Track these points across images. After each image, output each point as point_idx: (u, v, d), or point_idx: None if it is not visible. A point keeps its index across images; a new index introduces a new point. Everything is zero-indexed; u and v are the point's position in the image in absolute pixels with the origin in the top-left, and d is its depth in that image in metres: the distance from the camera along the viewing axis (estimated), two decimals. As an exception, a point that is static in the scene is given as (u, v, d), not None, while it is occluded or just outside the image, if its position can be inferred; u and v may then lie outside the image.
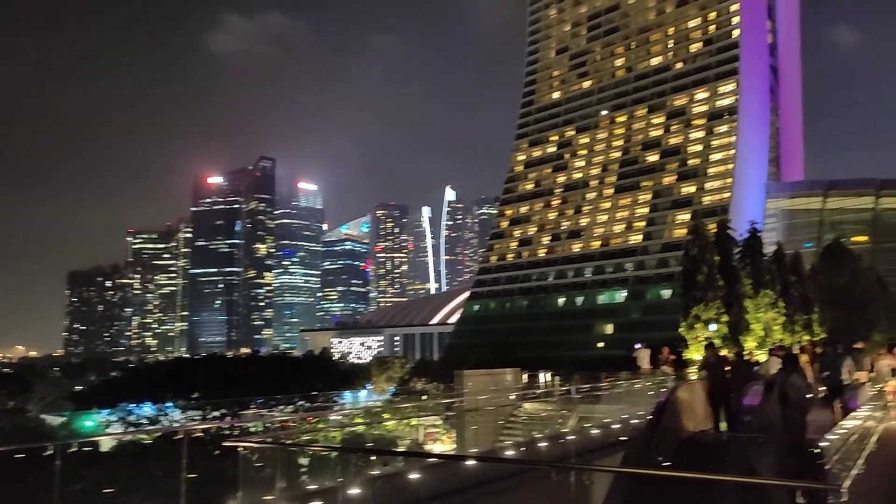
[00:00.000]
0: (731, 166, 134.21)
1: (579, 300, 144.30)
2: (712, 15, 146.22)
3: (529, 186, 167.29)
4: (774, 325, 43.83)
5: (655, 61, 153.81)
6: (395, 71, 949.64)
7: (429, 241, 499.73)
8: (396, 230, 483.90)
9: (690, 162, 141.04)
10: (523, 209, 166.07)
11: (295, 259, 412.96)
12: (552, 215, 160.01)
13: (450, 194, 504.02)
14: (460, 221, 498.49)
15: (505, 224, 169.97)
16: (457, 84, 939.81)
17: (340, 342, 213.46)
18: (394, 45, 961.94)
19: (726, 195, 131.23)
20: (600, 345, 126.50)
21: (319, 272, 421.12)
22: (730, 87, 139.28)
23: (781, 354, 20.20)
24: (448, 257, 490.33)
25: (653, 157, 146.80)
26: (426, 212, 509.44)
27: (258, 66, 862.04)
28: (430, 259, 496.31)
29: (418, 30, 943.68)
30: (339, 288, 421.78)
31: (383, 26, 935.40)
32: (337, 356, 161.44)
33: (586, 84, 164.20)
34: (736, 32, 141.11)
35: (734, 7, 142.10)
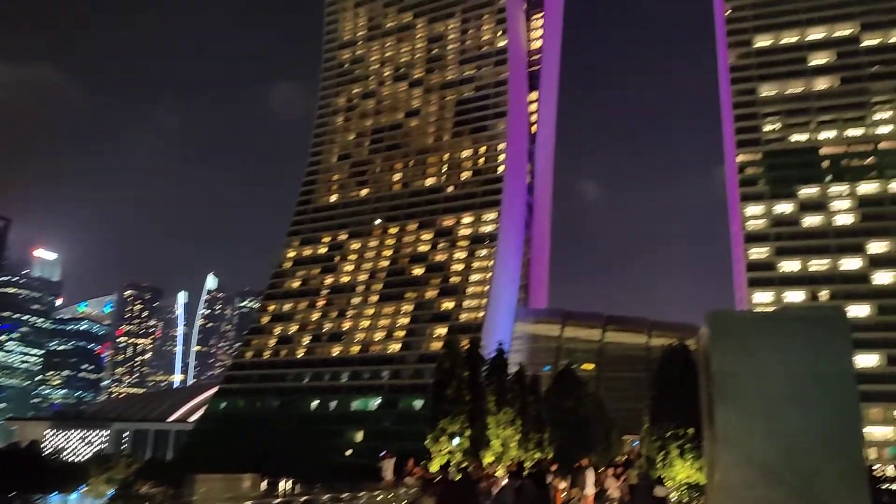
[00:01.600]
0: (487, 287, 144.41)
1: (333, 404, 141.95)
2: (482, 149, 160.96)
3: (296, 284, 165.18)
4: (511, 441, 46.31)
5: (429, 181, 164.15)
6: (173, 147, 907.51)
7: (180, 329, 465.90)
8: (145, 314, 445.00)
9: (452, 279, 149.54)
10: (287, 307, 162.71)
11: (15, 335, 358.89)
12: (315, 316, 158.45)
13: (211, 282, 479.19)
14: (219, 312, 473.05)
15: (266, 319, 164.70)
16: (239, 171, 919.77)
17: (56, 435, 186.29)
18: (175, 120, 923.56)
19: (481, 314, 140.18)
20: (349, 452, 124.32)
21: (43, 352, 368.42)
22: (492, 215, 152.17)
23: (513, 470, 21.27)
24: (200, 348, 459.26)
25: (418, 271, 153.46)
26: (182, 297, 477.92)
27: (13, 117, 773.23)
28: (179, 348, 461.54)
29: (206, 108, 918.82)
30: (66, 372, 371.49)
31: (166, 99, 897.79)
32: (49, 451, 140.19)
33: (363, 192, 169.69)
34: (501, 168, 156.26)
35: (501, 146, 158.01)
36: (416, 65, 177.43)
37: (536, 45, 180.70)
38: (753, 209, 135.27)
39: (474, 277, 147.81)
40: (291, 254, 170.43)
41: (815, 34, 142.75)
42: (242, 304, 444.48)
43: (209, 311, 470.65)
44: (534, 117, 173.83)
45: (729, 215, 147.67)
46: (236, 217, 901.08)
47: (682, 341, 41.13)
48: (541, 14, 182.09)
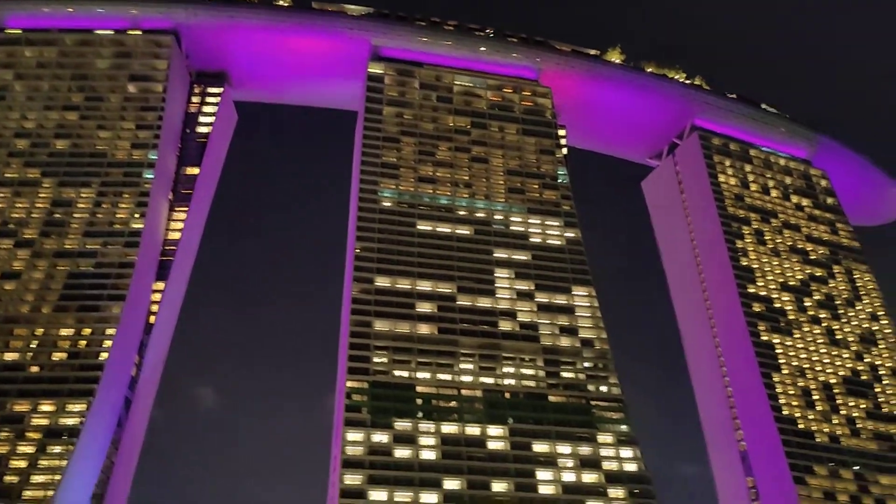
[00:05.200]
0: (51, 493, 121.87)
1: None
2: (87, 331, 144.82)
3: None
4: None
5: (10, 356, 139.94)
6: None
7: None
8: None
9: (7, 478, 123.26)
10: None
11: None
12: None
13: None
14: None
15: None
16: None
17: None
18: None
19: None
20: None
21: None
22: (80, 406, 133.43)
23: None
24: None
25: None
26: None
27: None
28: None
29: None
30: None
31: None
32: None
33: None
34: (104, 355, 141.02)
35: (110, 331, 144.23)
36: (29, 224, 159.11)
37: (174, 235, 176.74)
38: (354, 435, 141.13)
39: (37, 479, 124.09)
40: None
41: (424, 286, 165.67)
42: None
43: None
44: (155, 307, 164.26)
45: (332, 441, 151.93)
46: None
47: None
48: (185, 208, 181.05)
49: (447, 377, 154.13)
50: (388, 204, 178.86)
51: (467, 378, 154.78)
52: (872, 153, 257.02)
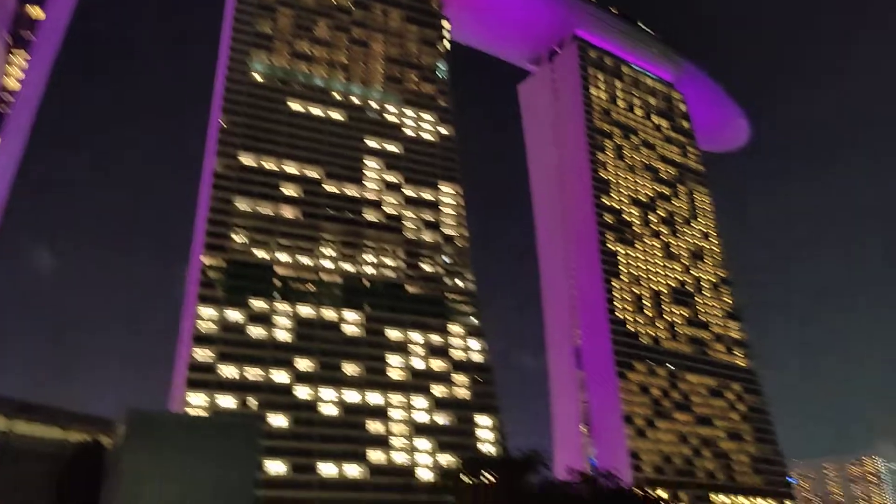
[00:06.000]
0: None
1: None
2: None
3: None
4: None
5: None
6: None
7: None
8: None
9: None
10: None
11: None
12: None
13: None
14: None
15: None
16: None
17: None
18: None
19: None
20: None
21: None
22: None
23: None
24: None
25: None
26: None
27: None
28: None
29: None
30: None
31: None
32: None
33: None
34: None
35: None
36: None
37: (13, 85, 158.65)
38: (207, 311, 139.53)
39: None
40: None
41: (290, 168, 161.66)
42: None
43: None
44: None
45: (182, 314, 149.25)
46: None
47: (96, 437, 38.85)
48: (26, 54, 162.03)
49: (308, 261, 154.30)
50: (259, 78, 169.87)
51: (328, 264, 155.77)
52: (730, 84, 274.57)
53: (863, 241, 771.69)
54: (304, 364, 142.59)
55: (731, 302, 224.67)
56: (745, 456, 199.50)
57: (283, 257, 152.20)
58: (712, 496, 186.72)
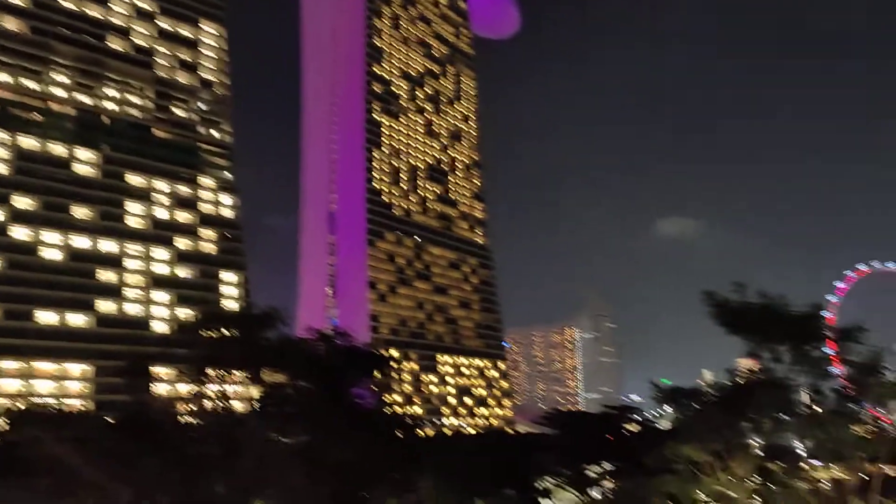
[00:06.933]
0: None
1: None
2: None
3: None
4: None
5: None
6: None
7: None
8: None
9: None
10: None
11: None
12: None
13: None
14: None
15: None
16: None
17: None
18: None
19: None
20: None
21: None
22: None
23: None
24: None
25: None
26: None
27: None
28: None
29: None
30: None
31: None
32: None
33: None
34: None
35: None
36: None
37: None
38: None
39: None
40: None
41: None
42: None
43: None
44: None
45: None
46: None
47: None
48: None
49: (34, 85, 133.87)
50: None
51: (59, 91, 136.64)
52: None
53: (600, 131, 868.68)
54: (23, 202, 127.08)
55: (479, 184, 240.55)
56: (470, 322, 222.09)
57: (2, 76, 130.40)
58: (438, 356, 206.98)
